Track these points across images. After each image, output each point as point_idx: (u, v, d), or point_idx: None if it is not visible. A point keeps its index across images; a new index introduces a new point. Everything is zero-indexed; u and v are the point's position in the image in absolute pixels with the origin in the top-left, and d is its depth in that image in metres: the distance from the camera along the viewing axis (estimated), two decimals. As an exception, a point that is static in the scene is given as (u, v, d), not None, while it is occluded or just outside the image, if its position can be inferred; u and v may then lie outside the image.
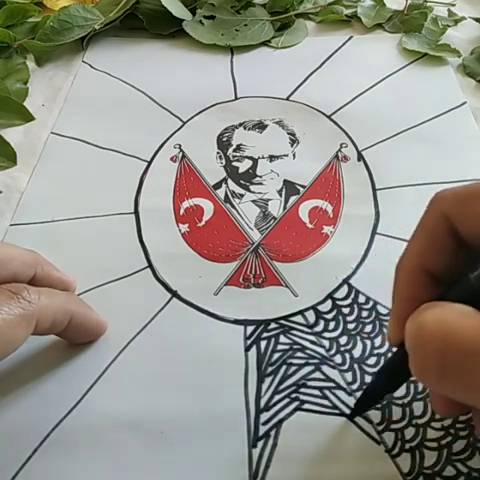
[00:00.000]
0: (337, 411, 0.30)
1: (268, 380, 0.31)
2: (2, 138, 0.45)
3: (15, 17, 0.56)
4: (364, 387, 0.30)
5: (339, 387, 0.31)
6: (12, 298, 0.27)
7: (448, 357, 0.18)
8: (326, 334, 0.33)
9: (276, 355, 0.32)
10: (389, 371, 0.27)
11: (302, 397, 0.30)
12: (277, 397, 0.30)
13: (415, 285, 0.23)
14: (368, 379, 0.31)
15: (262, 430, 0.29)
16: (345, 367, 0.31)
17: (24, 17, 0.57)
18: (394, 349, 0.27)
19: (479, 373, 0.18)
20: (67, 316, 0.30)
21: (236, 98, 0.49)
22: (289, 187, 0.41)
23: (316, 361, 0.32)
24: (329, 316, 0.34)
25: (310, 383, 0.31)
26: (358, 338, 0.33)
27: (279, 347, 0.32)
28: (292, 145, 0.44)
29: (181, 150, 0.44)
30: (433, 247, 0.23)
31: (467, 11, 0.57)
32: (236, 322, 0.33)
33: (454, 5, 0.58)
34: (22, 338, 0.27)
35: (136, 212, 0.40)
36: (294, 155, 0.44)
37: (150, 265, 0.37)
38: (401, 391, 0.30)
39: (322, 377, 0.31)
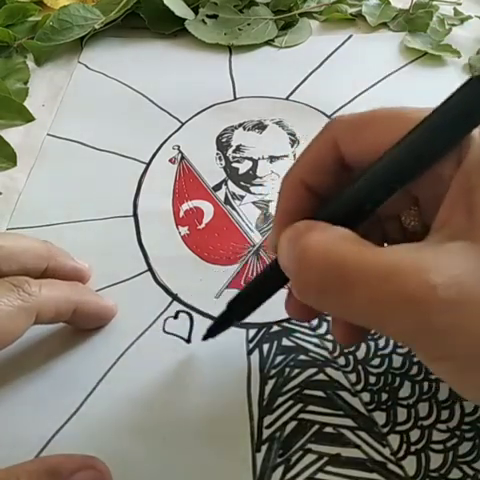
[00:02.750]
0: (341, 412, 0.30)
1: (271, 383, 0.31)
2: (2, 138, 0.45)
3: (15, 16, 0.56)
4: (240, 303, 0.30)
5: (343, 388, 0.31)
6: (12, 290, 0.28)
7: (329, 280, 0.20)
8: (329, 336, 0.33)
9: (279, 358, 0.32)
10: (262, 280, 0.28)
11: (306, 399, 0.30)
12: (280, 400, 0.30)
13: (296, 198, 0.25)
14: (372, 380, 0.31)
15: (266, 433, 0.29)
16: (349, 368, 0.31)
17: (24, 16, 0.56)
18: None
19: (354, 294, 0.19)
20: (71, 306, 0.31)
21: (235, 98, 0.48)
22: (290, 188, 0.41)
23: (319, 363, 0.32)
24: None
25: (314, 385, 0.31)
26: (361, 340, 0.32)
27: (282, 350, 0.32)
28: (292, 145, 0.44)
29: (180, 151, 0.44)
30: (317, 165, 0.24)
31: (473, 10, 0.57)
32: (237, 325, 0.33)
33: (460, 4, 0.57)
34: (22, 329, 0.28)
35: (135, 215, 0.40)
36: (294, 155, 0.43)
37: (150, 268, 0.37)
38: (406, 391, 0.30)
39: (326, 379, 0.31)
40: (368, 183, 0.22)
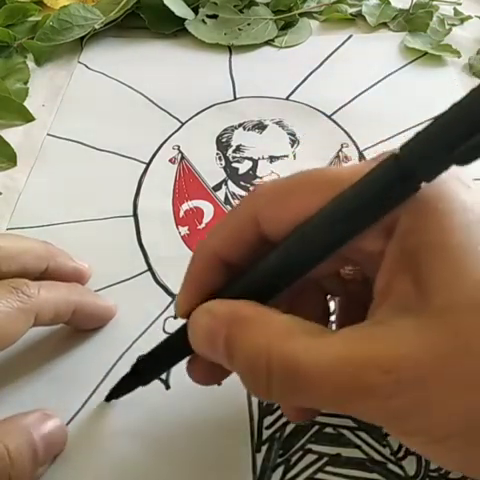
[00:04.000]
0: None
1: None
2: (2, 138, 0.45)
3: (15, 16, 0.56)
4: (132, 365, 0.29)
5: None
6: (11, 292, 0.28)
7: (287, 383, 0.19)
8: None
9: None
10: (170, 345, 0.27)
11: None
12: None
13: (208, 269, 0.24)
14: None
15: (266, 434, 0.29)
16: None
17: (24, 16, 0.56)
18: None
19: (316, 390, 0.19)
20: (70, 307, 0.30)
21: (235, 98, 0.48)
22: (290, 188, 0.41)
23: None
24: (333, 317, 0.33)
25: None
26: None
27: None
28: (292, 145, 0.44)
29: (180, 151, 0.44)
30: (234, 240, 0.23)
31: (473, 10, 0.57)
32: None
33: (460, 4, 0.57)
34: (21, 331, 0.28)
35: (135, 215, 0.40)
36: (295, 156, 0.43)
37: (150, 268, 0.36)
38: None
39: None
40: (278, 262, 0.21)
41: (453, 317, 0.17)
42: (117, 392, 0.29)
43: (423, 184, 0.18)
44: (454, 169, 0.18)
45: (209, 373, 0.26)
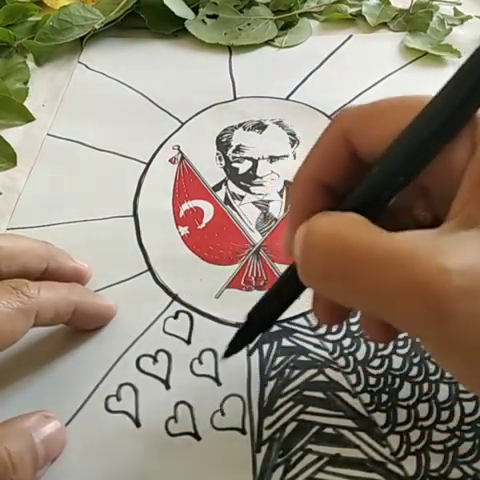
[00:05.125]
0: (341, 413, 0.30)
1: (271, 384, 0.31)
2: (2, 138, 0.45)
3: (15, 16, 0.56)
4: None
5: (343, 389, 0.30)
6: (11, 293, 0.28)
7: (334, 261, 0.19)
8: (329, 337, 0.33)
9: (279, 359, 0.32)
10: (279, 287, 0.27)
11: (306, 400, 0.30)
12: (280, 401, 0.30)
13: (309, 196, 0.24)
14: (373, 381, 0.31)
15: (266, 434, 0.29)
16: (349, 370, 0.31)
17: (24, 16, 0.56)
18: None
19: (361, 278, 0.18)
20: (70, 307, 0.31)
21: (235, 98, 0.48)
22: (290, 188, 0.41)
23: (319, 364, 0.31)
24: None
25: (313, 386, 0.31)
26: (361, 340, 0.32)
27: (282, 351, 0.32)
28: (292, 145, 0.44)
29: (180, 151, 0.44)
30: (328, 160, 0.23)
31: (473, 10, 0.57)
32: (238, 325, 0.33)
33: (460, 4, 0.57)
34: (21, 331, 0.28)
35: (135, 215, 0.40)
36: (295, 155, 0.43)
37: (150, 268, 0.37)
38: (406, 393, 0.30)
39: (326, 380, 0.31)
40: (381, 174, 0.21)
41: None
42: (234, 347, 0.29)
43: None
44: None
45: (332, 311, 0.26)
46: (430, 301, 0.17)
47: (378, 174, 0.21)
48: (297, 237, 0.21)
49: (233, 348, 0.29)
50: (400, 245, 0.18)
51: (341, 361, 0.32)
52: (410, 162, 0.20)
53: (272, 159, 0.43)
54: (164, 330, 0.33)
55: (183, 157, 0.43)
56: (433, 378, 0.30)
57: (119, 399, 0.31)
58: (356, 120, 0.22)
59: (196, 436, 0.29)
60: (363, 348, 0.32)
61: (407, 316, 0.18)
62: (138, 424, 0.30)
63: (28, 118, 0.47)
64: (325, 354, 0.32)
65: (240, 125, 0.46)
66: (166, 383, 0.31)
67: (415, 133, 0.20)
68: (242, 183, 0.42)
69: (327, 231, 0.19)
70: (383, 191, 0.21)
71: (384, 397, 0.30)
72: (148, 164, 0.43)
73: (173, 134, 0.45)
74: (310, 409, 0.30)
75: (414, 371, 0.31)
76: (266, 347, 0.32)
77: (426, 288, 0.17)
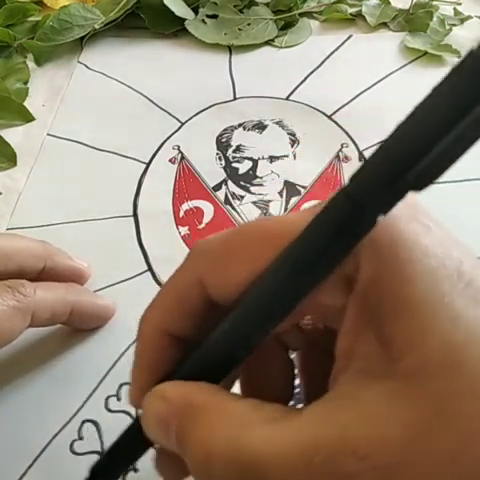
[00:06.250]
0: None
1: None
2: (2, 138, 0.45)
3: (15, 16, 0.56)
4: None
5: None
6: (7, 291, 0.28)
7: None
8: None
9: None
10: (127, 441, 0.23)
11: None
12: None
13: (157, 351, 0.21)
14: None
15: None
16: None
17: (24, 16, 0.56)
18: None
19: None
20: (67, 307, 0.31)
21: (235, 98, 0.48)
22: (290, 188, 0.41)
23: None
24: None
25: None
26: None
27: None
28: (292, 145, 0.44)
29: (180, 151, 0.44)
30: (181, 311, 0.20)
31: (473, 10, 0.57)
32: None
33: (460, 4, 0.57)
34: (17, 330, 0.28)
35: (135, 215, 0.40)
36: (294, 156, 0.43)
37: (150, 268, 0.36)
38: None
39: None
40: (232, 330, 0.18)
41: (423, 383, 0.15)
42: None
43: (380, 218, 0.16)
44: (412, 208, 0.17)
45: (175, 466, 0.22)
46: None
47: (226, 336, 0.18)
48: (150, 418, 0.19)
49: None
50: (309, 440, 0.16)
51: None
52: (265, 320, 0.18)
53: (272, 159, 0.43)
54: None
55: (183, 157, 0.43)
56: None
57: (119, 399, 0.31)
58: (209, 260, 0.20)
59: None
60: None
61: None
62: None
63: (28, 118, 0.47)
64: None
65: (240, 125, 0.46)
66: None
67: (269, 286, 0.17)
68: (242, 183, 0.42)
69: (228, 449, 0.16)
70: (236, 351, 0.19)
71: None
72: (148, 164, 0.43)
73: (173, 134, 0.45)
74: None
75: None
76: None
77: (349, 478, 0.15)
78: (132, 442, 0.23)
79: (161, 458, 0.22)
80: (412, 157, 0.14)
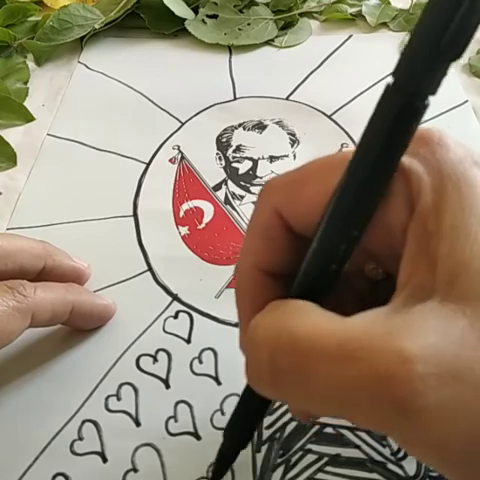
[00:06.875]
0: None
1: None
2: (2, 138, 0.45)
3: (15, 16, 0.56)
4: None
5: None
6: (7, 292, 0.28)
7: (281, 358, 0.17)
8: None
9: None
10: (246, 400, 0.24)
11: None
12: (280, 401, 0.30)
13: (255, 288, 0.21)
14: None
15: (266, 434, 0.29)
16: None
17: (24, 16, 0.56)
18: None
19: (314, 378, 0.16)
20: (67, 307, 0.31)
21: (235, 98, 0.48)
22: (290, 188, 0.41)
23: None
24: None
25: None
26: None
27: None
28: (292, 145, 0.44)
29: (180, 151, 0.44)
30: (268, 246, 0.21)
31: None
32: (238, 325, 0.33)
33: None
34: (17, 330, 0.28)
35: (135, 215, 0.40)
36: (295, 156, 0.43)
37: (150, 268, 0.36)
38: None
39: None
40: (319, 249, 0.19)
41: (471, 304, 0.15)
42: (218, 474, 0.27)
43: (430, 99, 0.17)
44: (471, 154, 0.18)
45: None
46: (395, 397, 0.15)
47: (317, 250, 0.19)
48: (246, 336, 0.19)
49: (217, 475, 0.27)
50: (354, 333, 0.16)
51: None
52: (347, 227, 0.19)
53: (272, 159, 0.43)
54: (164, 330, 0.33)
55: (183, 157, 0.43)
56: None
57: (119, 399, 0.31)
58: (283, 191, 0.20)
59: (196, 435, 0.29)
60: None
61: (371, 416, 0.16)
62: (138, 424, 0.30)
63: (28, 118, 0.47)
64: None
65: (240, 125, 0.46)
66: (166, 382, 0.31)
67: (343, 193, 0.18)
68: (242, 183, 0.42)
69: (272, 325, 0.17)
70: (327, 267, 0.19)
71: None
72: (148, 164, 0.43)
73: (173, 134, 0.45)
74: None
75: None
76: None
77: (389, 383, 0.15)
78: (252, 397, 0.23)
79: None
80: (444, 18, 0.15)
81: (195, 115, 0.47)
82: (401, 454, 0.28)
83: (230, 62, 0.52)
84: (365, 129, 0.18)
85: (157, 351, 0.33)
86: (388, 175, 0.18)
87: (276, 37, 0.54)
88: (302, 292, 0.19)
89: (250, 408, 0.24)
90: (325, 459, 0.28)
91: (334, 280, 0.20)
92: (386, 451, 0.28)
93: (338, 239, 0.19)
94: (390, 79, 0.17)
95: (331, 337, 0.16)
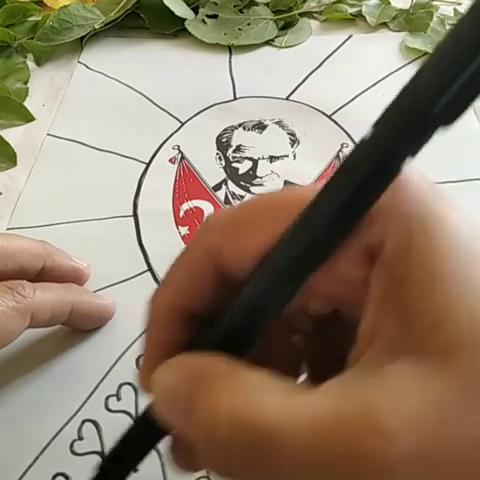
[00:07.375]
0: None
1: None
2: (2, 138, 0.45)
3: (15, 16, 0.56)
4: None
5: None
6: (6, 292, 0.28)
7: (255, 453, 0.15)
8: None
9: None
10: (137, 433, 0.22)
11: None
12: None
13: (168, 329, 0.20)
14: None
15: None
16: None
17: (24, 16, 0.56)
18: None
19: (291, 465, 0.14)
20: (67, 307, 0.31)
21: (235, 98, 0.48)
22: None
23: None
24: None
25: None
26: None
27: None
28: (292, 145, 0.44)
29: (180, 151, 0.44)
30: (193, 284, 0.19)
31: (473, 10, 0.57)
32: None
33: (460, 4, 0.57)
34: (16, 330, 0.28)
35: (135, 215, 0.40)
36: (295, 156, 0.43)
37: (150, 268, 0.37)
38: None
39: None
40: (250, 300, 0.17)
41: (452, 361, 0.14)
42: None
43: (409, 160, 0.16)
44: (436, 188, 0.17)
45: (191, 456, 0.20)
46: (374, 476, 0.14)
47: (246, 302, 0.18)
48: (155, 380, 0.18)
49: None
50: (324, 410, 0.14)
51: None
52: (284, 285, 0.17)
53: (272, 159, 0.43)
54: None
55: (183, 157, 0.43)
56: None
57: (119, 399, 0.31)
58: (222, 233, 0.19)
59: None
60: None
61: None
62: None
63: (28, 118, 0.47)
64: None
65: (240, 125, 0.46)
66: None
67: (288, 252, 0.17)
68: (242, 183, 0.42)
69: (237, 414, 0.15)
70: (254, 320, 0.18)
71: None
72: (148, 164, 0.43)
73: (173, 134, 0.45)
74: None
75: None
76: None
77: (365, 465, 0.14)
78: (145, 430, 0.21)
79: (177, 446, 0.21)
80: (438, 87, 0.14)
81: (195, 115, 0.47)
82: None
83: (230, 62, 0.52)
84: (326, 183, 0.16)
85: (157, 351, 0.33)
86: (347, 233, 0.16)
87: (276, 37, 0.54)
88: (223, 343, 0.18)
89: (144, 439, 0.21)
90: None
91: (261, 331, 0.18)
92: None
93: (270, 295, 0.17)
94: (369, 130, 0.15)
95: (300, 420, 0.14)
